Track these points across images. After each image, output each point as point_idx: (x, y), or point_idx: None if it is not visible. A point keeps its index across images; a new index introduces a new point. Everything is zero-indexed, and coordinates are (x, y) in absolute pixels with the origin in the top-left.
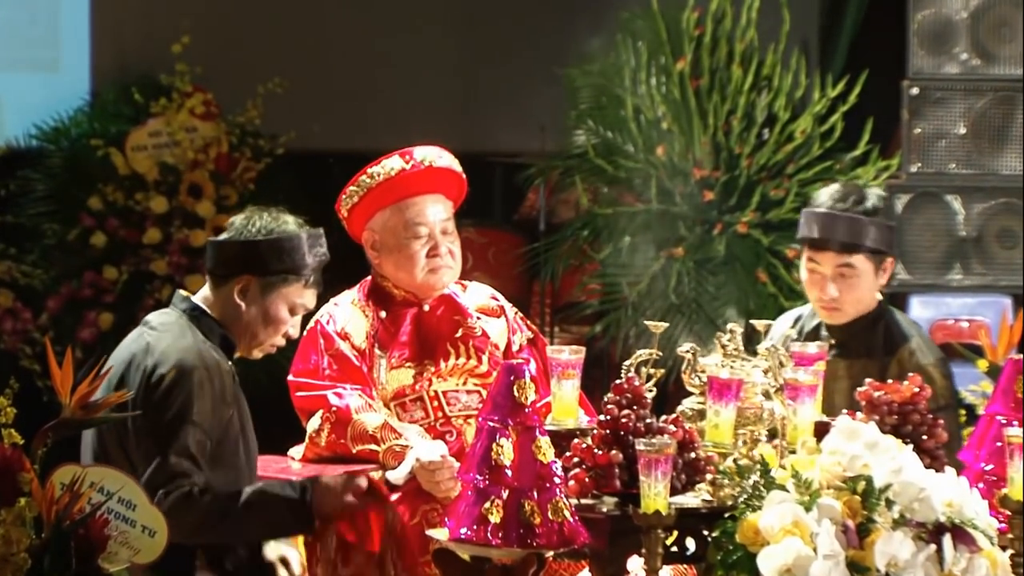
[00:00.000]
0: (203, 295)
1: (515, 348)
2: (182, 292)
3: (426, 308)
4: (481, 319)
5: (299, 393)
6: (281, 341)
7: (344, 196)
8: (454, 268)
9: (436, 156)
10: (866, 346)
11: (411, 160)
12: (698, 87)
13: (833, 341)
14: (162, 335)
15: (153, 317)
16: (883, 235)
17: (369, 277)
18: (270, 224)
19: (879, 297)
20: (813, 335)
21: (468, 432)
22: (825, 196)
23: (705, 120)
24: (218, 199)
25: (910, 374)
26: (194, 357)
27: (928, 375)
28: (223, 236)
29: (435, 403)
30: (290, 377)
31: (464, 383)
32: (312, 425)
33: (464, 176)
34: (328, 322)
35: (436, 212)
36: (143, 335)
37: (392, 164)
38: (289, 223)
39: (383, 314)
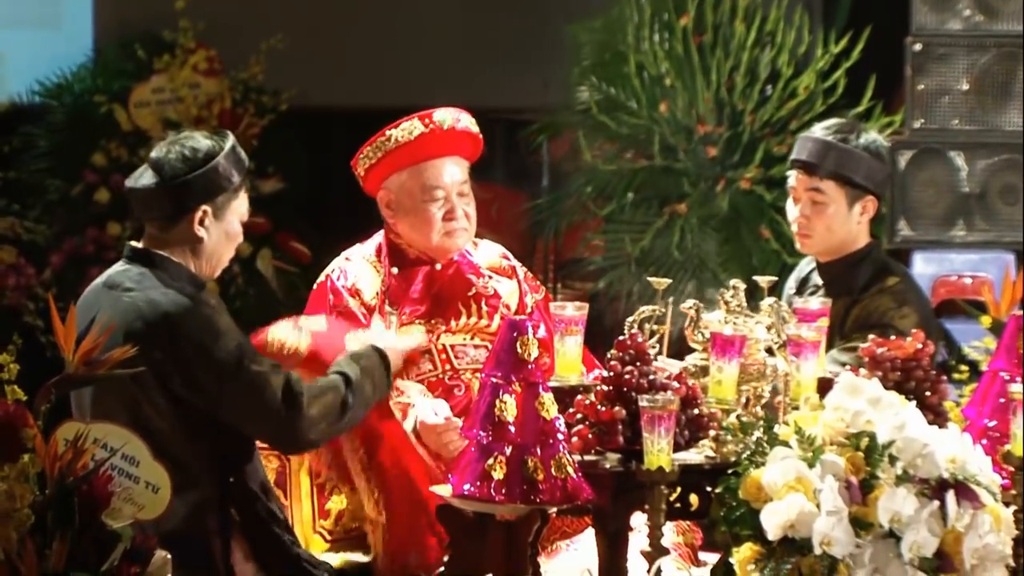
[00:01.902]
0: (152, 240)
1: (527, 309)
2: (133, 244)
3: (438, 267)
4: (493, 278)
5: None
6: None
7: (361, 156)
8: (469, 230)
9: (455, 119)
10: (847, 286)
11: (431, 124)
12: (701, 43)
13: (820, 282)
14: (143, 294)
15: (118, 276)
16: (863, 170)
17: (381, 232)
18: (196, 149)
19: (867, 239)
20: (804, 281)
21: (476, 386)
22: (820, 123)
23: (708, 76)
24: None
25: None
26: (189, 300)
27: (898, 316)
28: (149, 179)
29: (443, 356)
30: None
31: (472, 338)
32: None
33: (480, 136)
34: (339, 277)
35: (453, 174)
36: (119, 298)
37: (411, 127)
38: (201, 139)
39: (395, 271)
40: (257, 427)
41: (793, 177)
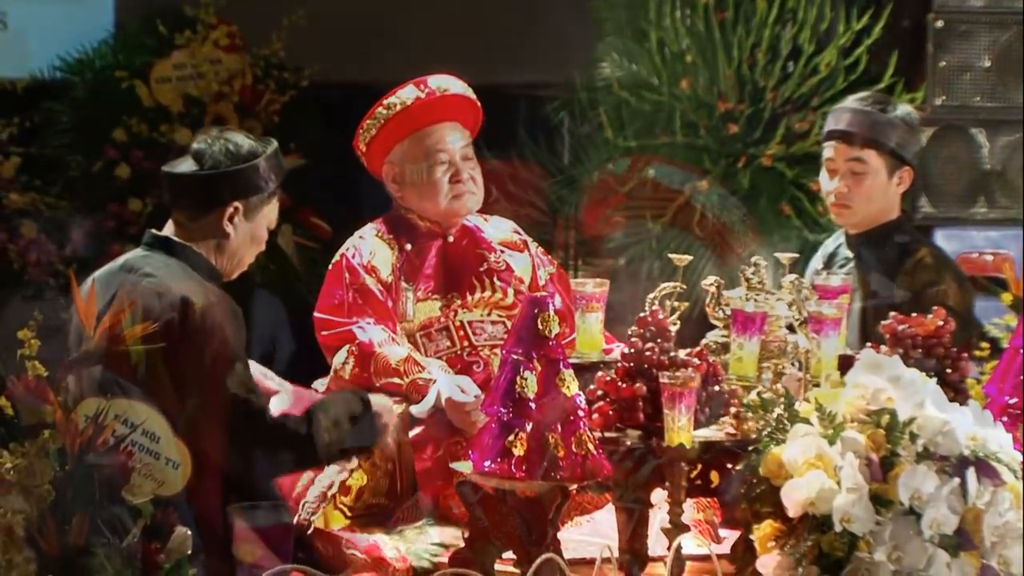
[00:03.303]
0: (177, 228)
1: (541, 282)
2: (154, 231)
3: (450, 239)
4: (505, 252)
5: (324, 331)
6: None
7: (361, 131)
8: (477, 194)
9: (450, 83)
10: (879, 257)
11: (426, 88)
12: (723, 20)
13: (850, 255)
14: (162, 280)
15: (137, 261)
16: (901, 139)
17: (392, 210)
18: (240, 146)
19: (899, 212)
20: (832, 256)
21: (494, 362)
22: (852, 96)
23: (730, 53)
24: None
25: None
26: (206, 294)
27: (941, 287)
28: (188, 167)
29: (461, 333)
30: (316, 313)
31: (489, 314)
32: (337, 360)
33: (479, 104)
34: (354, 255)
35: (455, 139)
36: (138, 283)
37: (407, 94)
38: (245, 138)
39: (408, 246)
40: (214, 438)
41: (831, 149)
